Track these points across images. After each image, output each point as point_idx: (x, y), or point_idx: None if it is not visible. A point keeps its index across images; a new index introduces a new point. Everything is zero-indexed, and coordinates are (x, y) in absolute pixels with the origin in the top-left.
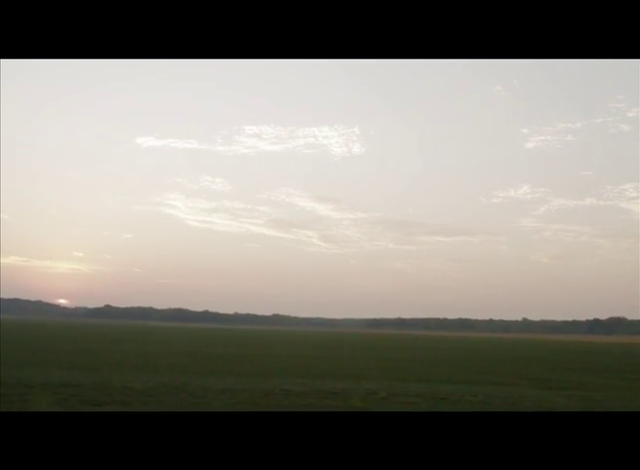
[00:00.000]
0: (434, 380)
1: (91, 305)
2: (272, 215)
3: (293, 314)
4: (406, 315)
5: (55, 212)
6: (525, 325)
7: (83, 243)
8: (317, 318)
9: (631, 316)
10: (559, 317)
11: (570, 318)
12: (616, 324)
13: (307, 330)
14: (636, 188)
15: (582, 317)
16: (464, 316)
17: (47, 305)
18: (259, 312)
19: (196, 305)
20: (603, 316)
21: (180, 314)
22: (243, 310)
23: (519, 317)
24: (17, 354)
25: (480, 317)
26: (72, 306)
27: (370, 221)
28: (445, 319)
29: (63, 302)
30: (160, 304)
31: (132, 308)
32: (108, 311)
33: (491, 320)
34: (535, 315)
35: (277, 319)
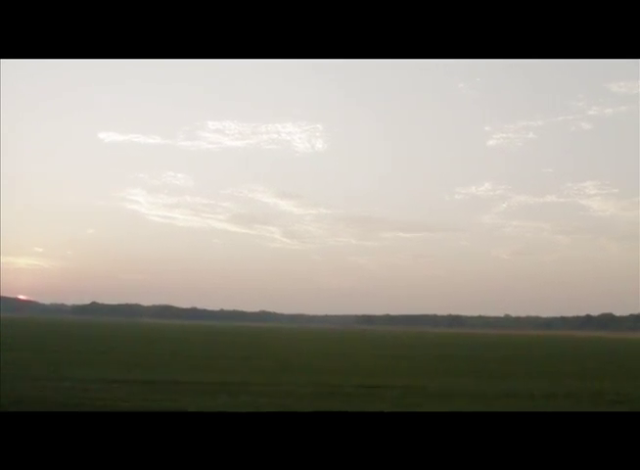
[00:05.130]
0: None
1: (77, 303)
2: (234, 211)
3: (279, 311)
4: (393, 312)
5: (15, 208)
6: (516, 322)
7: (44, 238)
8: (302, 315)
9: (619, 313)
10: (541, 313)
11: (557, 315)
12: (609, 320)
13: (323, 328)
14: (596, 186)
15: (568, 313)
16: (454, 313)
17: (25, 302)
18: (243, 308)
19: (182, 302)
20: (592, 312)
21: (168, 311)
22: (227, 307)
23: (501, 313)
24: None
25: (468, 313)
26: (47, 303)
27: (332, 217)
28: (435, 316)
29: (22, 297)
30: (143, 300)
31: (120, 306)
32: (93, 308)
33: (481, 317)
34: (515, 311)
35: (264, 316)
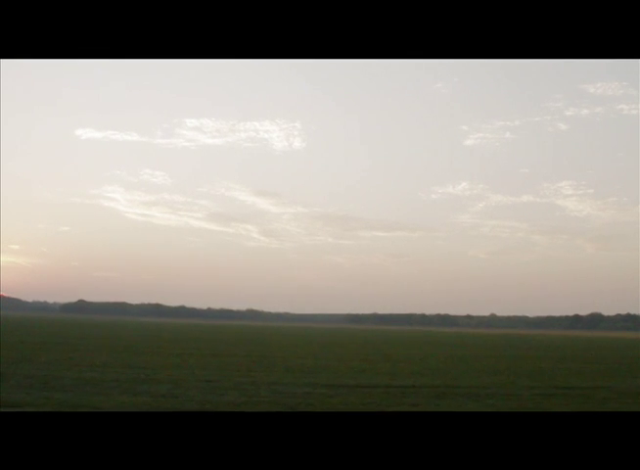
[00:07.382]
0: None
1: (59, 300)
2: (212, 209)
3: (266, 309)
4: (381, 311)
5: None
6: (506, 321)
7: (19, 235)
8: (289, 313)
9: (606, 312)
10: (527, 313)
11: (544, 314)
12: (597, 320)
13: (324, 327)
14: (572, 186)
15: (554, 313)
16: (442, 312)
17: (6, 299)
18: (230, 307)
19: (168, 300)
20: (580, 312)
21: (156, 310)
22: (214, 305)
23: (486, 313)
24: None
25: (454, 313)
26: (30, 300)
27: (310, 216)
28: (424, 315)
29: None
30: (127, 298)
31: (107, 304)
32: (81, 307)
33: (468, 316)
34: (499, 311)
35: (251, 314)
